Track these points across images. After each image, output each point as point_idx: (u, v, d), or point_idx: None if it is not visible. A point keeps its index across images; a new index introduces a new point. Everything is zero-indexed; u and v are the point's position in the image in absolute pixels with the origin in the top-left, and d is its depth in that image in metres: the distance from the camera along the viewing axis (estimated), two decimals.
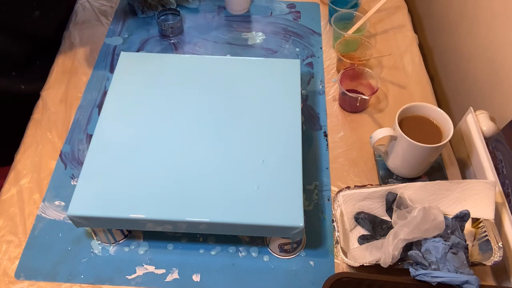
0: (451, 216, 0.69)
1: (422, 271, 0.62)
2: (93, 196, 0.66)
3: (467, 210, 0.68)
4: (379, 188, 0.73)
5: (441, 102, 1.04)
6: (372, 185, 0.75)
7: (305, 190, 0.78)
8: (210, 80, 0.81)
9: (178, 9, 1.05)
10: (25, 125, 0.87)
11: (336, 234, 0.70)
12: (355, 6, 1.03)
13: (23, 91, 0.94)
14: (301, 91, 0.80)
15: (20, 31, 0.92)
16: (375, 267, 0.66)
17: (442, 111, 0.74)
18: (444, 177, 0.80)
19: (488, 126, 0.78)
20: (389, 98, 0.93)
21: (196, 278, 0.69)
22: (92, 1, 1.11)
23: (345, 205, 0.74)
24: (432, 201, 0.71)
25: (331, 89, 0.95)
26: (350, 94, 0.86)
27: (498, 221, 0.71)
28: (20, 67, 0.95)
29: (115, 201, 0.65)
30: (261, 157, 0.70)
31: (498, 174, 0.73)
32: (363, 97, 0.87)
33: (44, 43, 0.99)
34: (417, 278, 0.62)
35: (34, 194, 0.77)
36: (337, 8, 0.99)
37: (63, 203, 0.76)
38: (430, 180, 0.75)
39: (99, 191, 0.66)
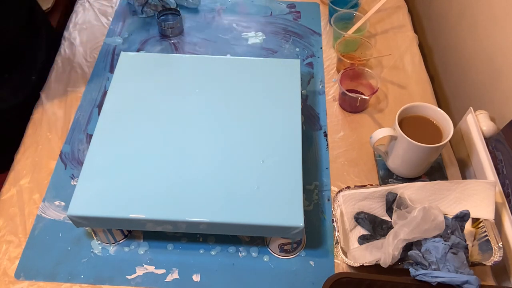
0: (451, 216, 0.69)
1: (422, 271, 0.62)
2: (93, 196, 0.66)
3: (467, 210, 0.68)
4: (379, 188, 0.73)
5: (441, 102, 1.04)
6: (372, 185, 0.75)
7: (305, 190, 0.78)
8: (210, 80, 0.81)
9: (178, 9, 1.05)
10: (25, 125, 0.87)
11: (336, 234, 0.70)
12: (355, 6, 1.03)
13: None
14: (301, 91, 0.80)
15: None
16: (375, 267, 0.66)
17: (442, 111, 0.74)
18: (444, 177, 0.80)
19: (488, 126, 0.78)
20: (389, 98, 0.93)
21: (196, 278, 0.69)
22: (92, 1, 1.11)
23: (345, 205, 0.74)
24: (432, 201, 0.71)
25: (331, 89, 0.95)
26: (350, 94, 0.86)
27: (498, 221, 0.71)
28: None
29: (115, 201, 0.65)
30: (261, 157, 0.70)
31: (498, 174, 0.73)
32: (363, 97, 0.87)
33: (3, 57, 0.89)
34: (417, 278, 0.62)
35: (34, 194, 0.77)
36: (337, 8, 1.00)
37: (63, 203, 0.76)
38: (430, 180, 0.75)
39: (99, 191, 0.66)
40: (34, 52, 0.96)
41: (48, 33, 1.01)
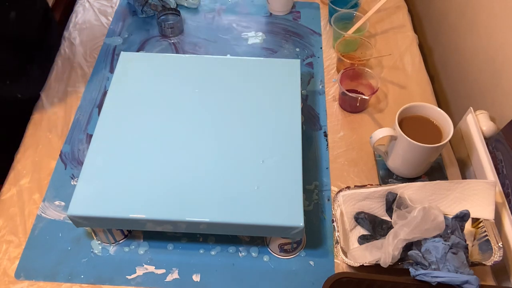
0: (451, 216, 0.69)
1: (422, 271, 0.62)
2: (93, 196, 0.66)
3: (467, 210, 0.68)
4: (379, 188, 0.73)
5: (441, 102, 1.04)
6: (372, 185, 0.75)
7: (305, 190, 0.78)
8: (210, 80, 0.81)
9: (178, 9, 1.05)
10: (25, 125, 0.87)
11: (336, 234, 0.70)
12: (355, 6, 1.03)
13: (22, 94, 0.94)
14: (301, 91, 0.80)
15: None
16: (375, 267, 0.66)
17: (442, 111, 0.74)
18: (444, 177, 0.80)
19: (488, 126, 0.78)
20: (389, 98, 0.93)
21: (196, 278, 0.69)
22: (92, 1, 1.11)
23: (345, 205, 0.74)
24: (432, 201, 0.71)
25: (331, 89, 0.95)
26: (350, 94, 0.86)
27: (498, 221, 0.71)
28: (11, 75, 0.90)
29: (115, 201, 0.65)
30: (261, 157, 0.70)
31: (498, 174, 0.73)
32: (363, 97, 0.87)
33: (27, 46, 0.93)
34: (417, 278, 0.62)
35: (34, 194, 0.77)
36: (337, 8, 1.00)
37: (63, 203, 0.76)
38: (430, 180, 0.75)
39: (99, 191, 0.66)
40: (49, 45, 0.99)
41: (54, 29, 1.05)
